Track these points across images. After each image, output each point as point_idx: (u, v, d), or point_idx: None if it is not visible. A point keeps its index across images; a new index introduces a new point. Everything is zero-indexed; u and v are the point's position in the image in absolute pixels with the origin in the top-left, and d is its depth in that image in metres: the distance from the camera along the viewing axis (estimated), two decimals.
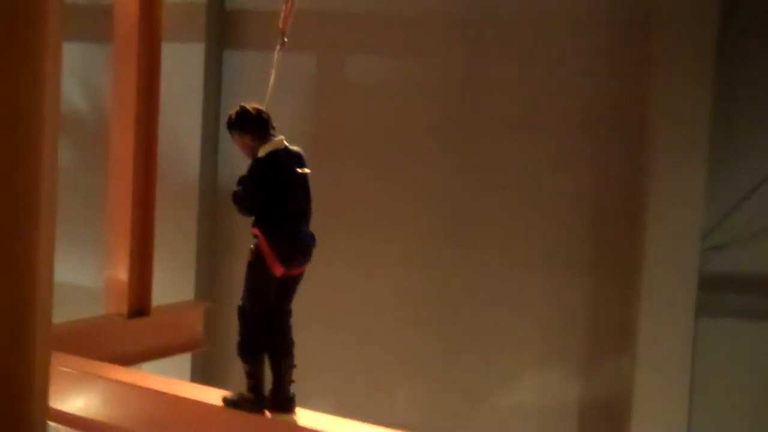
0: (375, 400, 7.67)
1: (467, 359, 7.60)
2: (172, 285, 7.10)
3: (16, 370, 1.59)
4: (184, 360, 7.37)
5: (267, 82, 8.44)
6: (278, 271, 4.10)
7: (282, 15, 4.49)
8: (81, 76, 8.40)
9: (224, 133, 8.16)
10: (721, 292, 7.02)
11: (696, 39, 6.75)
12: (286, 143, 4.21)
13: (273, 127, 4.24)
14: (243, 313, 4.20)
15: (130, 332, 5.47)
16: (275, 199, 4.08)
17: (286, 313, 4.28)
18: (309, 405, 4.48)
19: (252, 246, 4.13)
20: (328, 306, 7.89)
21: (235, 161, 8.12)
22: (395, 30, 7.82)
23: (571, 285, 7.41)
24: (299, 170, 4.17)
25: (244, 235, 8.05)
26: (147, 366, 5.52)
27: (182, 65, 7.80)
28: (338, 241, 7.82)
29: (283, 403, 4.19)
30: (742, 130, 7.00)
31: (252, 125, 4.18)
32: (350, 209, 7.91)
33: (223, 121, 8.20)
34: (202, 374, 7.61)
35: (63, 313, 5.40)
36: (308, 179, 4.23)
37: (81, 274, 7.76)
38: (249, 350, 4.18)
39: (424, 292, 7.69)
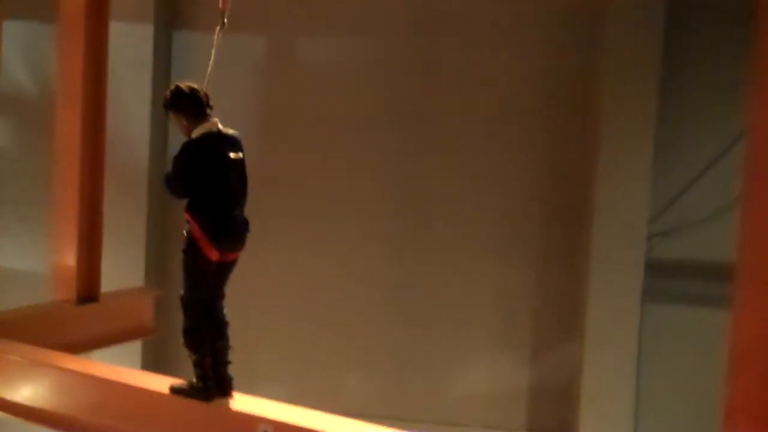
0: (326, 386, 7.66)
1: (417, 346, 7.65)
2: (122, 272, 6.98)
3: None
4: (135, 348, 7.25)
5: (219, 62, 8.33)
6: (213, 255, 4.02)
7: None
8: (25, 55, 8.18)
9: None
10: (667, 278, 7.15)
11: (644, 31, 6.84)
12: (219, 126, 4.10)
13: (210, 107, 4.12)
14: (184, 303, 4.14)
15: (78, 319, 5.36)
16: (206, 183, 3.99)
17: (220, 296, 4.21)
18: (261, 392, 4.46)
19: (185, 232, 4.04)
20: (279, 291, 7.86)
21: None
22: (347, 10, 7.76)
23: (520, 271, 7.49)
24: (232, 154, 4.07)
25: None
26: (96, 354, 5.42)
27: (130, 45, 7.64)
28: (289, 224, 7.79)
29: (224, 387, 4.16)
30: (686, 120, 7.12)
31: (186, 105, 4.08)
32: (302, 192, 7.86)
33: None
34: (153, 362, 7.51)
35: (9, 299, 5.30)
36: (243, 163, 4.15)
37: (27, 260, 7.59)
38: (194, 340, 4.12)
39: (375, 277, 7.70)
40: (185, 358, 7.91)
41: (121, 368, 4.58)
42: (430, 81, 7.65)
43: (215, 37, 4.43)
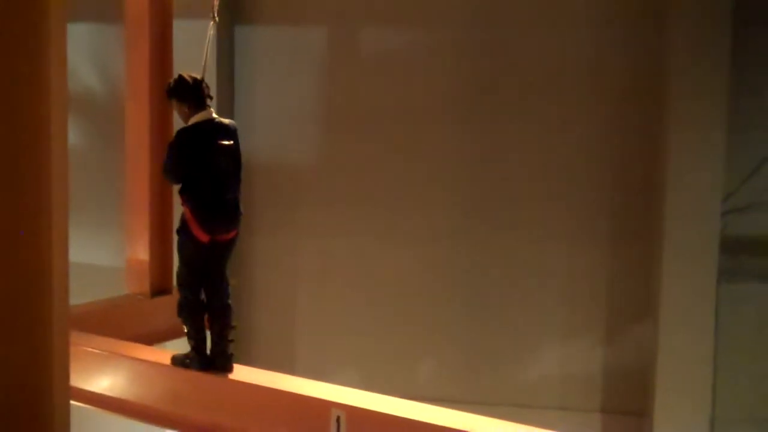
0: (399, 372, 7.69)
1: (490, 331, 7.60)
2: None
3: (36, 350, 1.58)
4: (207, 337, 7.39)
5: (279, 56, 8.41)
6: (202, 237, 4.24)
7: None
8: (93, 57, 8.38)
9: (238, 110, 8.19)
10: (743, 256, 6.96)
11: (714, 4, 6.66)
12: (214, 115, 4.34)
13: (210, 98, 4.37)
14: (178, 279, 4.40)
15: (152, 311, 5.48)
16: (197, 168, 4.22)
17: (221, 278, 4.42)
18: (333, 378, 4.51)
19: (182, 214, 4.29)
20: (352, 280, 7.91)
21: (249, 139, 8.13)
22: (412, 4, 7.75)
23: (592, 253, 7.39)
24: (223, 141, 4.28)
25: (264, 213, 8.12)
26: (170, 344, 5.53)
27: (194, 42, 7.75)
28: (358, 214, 7.82)
29: (224, 362, 4.36)
30: (761, 95, 6.92)
31: (187, 94, 4.31)
32: (369, 183, 7.88)
33: (238, 97, 8.22)
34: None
35: (86, 293, 5.44)
36: (235, 150, 4.36)
37: (103, 254, 7.79)
38: (187, 313, 4.37)
39: (447, 265, 7.68)
40: (255, 348, 8.04)
41: None
42: (492, 70, 7.58)
43: (208, 31, 4.67)
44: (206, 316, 4.42)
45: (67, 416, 1.60)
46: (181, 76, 4.38)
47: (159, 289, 5.53)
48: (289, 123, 8.09)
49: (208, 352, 4.40)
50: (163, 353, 4.67)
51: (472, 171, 7.65)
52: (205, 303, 4.40)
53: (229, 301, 4.45)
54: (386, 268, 7.83)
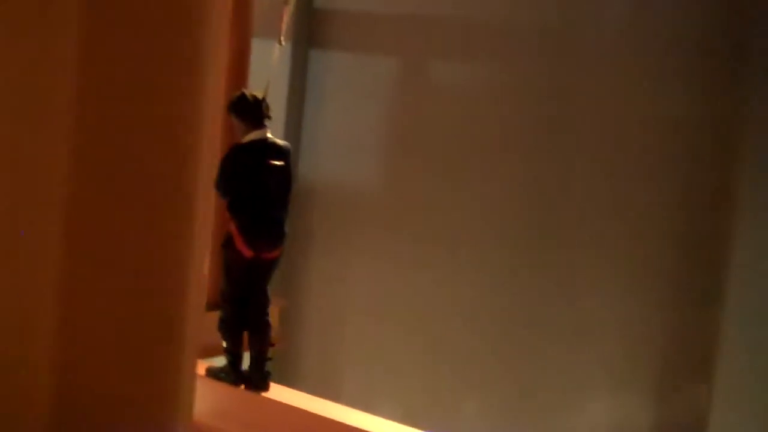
0: (443, 408, 7.61)
1: (538, 375, 7.48)
2: None
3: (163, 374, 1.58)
4: None
5: (350, 82, 8.47)
6: (246, 253, 4.34)
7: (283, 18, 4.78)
8: None
9: (306, 132, 8.26)
10: None
11: None
12: (269, 135, 4.45)
13: (268, 118, 4.51)
14: (221, 294, 4.51)
15: (208, 325, 5.51)
16: (245, 185, 4.34)
17: (262, 296, 4.51)
18: (377, 411, 4.49)
19: (228, 230, 4.42)
20: (403, 311, 7.87)
21: (313, 161, 8.19)
22: (479, 36, 7.75)
23: (647, 306, 7.22)
24: (273, 161, 4.37)
25: (321, 236, 8.14)
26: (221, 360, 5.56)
27: (269, 62, 7.87)
28: (418, 246, 7.80)
29: (258, 380, 4.47)
30: None
31: (246, 112, 4.44)
32: (431, 216, 7.86)
33: (306, 119, 8.29)
34: (276, 372, 7.65)
35: None
36: (285, 170, 4.44)
37: None
38: (227, 328, 4.49)
39: (501, 303, 7.60)
40: (308, 368, 8.04)
41: None
42: (560, 109, 7.52)
43: (274, 53, 4.88)
44: (248, 334, 4.46)
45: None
46: (243, 93, 4.52)
47: (215, 304, 5.55)
48: (354, 149, 8.13)
49: (245, 368, 4.45)
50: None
51: (532, 208, 7.58)
52: (246, 320, 4.46)
53: (269, 319, 4.50)
54: (438, 300, 7.78)
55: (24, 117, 1.46)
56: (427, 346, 7.79)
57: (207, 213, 1.56)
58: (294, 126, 8.13)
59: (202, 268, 1.62)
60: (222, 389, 4.45)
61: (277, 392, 4.53)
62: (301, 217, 8.17)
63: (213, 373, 4.55)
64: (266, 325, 4.51)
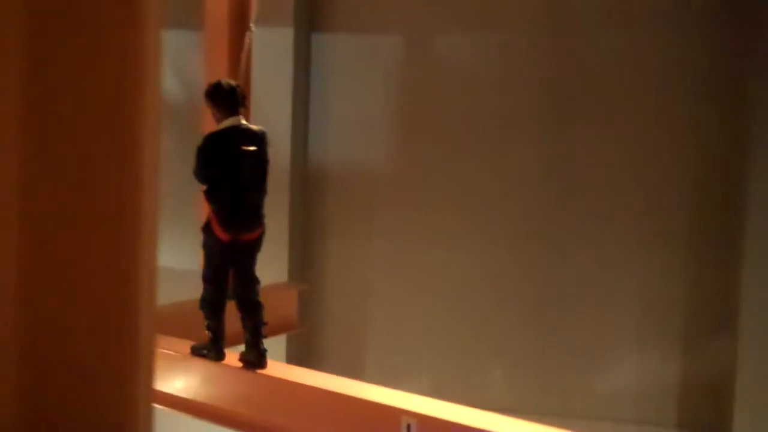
0: (470, 380, 7.64)
1: (564, 340, 7.50)
2: (266, 267, 7.19)
3: (122, 353, 1.62)
4: (280, 341, 7.48)
5: (354, 63, 8.44)
6: (223, 236, 4.43)
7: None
8: (173, 63, 8.56)
9: (314, 115, 8.26)
10: None
11: None
12: (242, 121, 4.52)
13: (244, 106, 4.57)
14: (203, 275, 4.61)
15: (227, 314, 5.55)
16: (221, 172, 4.41)
17: (249, 277, 4.60)
18: (403, 386, 4.51)
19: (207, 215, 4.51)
20: (423, 286, 7.89)
21: (322, 144, 8.20)
22: (487, 11, 7.71)
23: (670, 263, 7.23)
24: (246, 147, 4.44)
25: (336, 219, 8.17)
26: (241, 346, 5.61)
27: (271, 49, 7.86)
28: (434, 222, 7.80)
29: (255, 358, 4.54)
30: None
31: (220, 99, 4.49)
32: (446, 191, 7.86)
33: (313, 103, 8.29)
34: (297, 355, 7.71)
35: (163, 296, 5.55)
36: (259, 155, 4.52)
37: (180, 258, 7.94)
38: (207, 307, 4.58)
39: (520, 272, 7.61)
40: (328, 351, 8.08)
41: (269, 361, 4.72)
42: (567, 76, 7.48)
43: (245, 41, 5.02)
44: (240, 315, 4.55)
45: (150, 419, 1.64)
46: (218, 82, 4.60)
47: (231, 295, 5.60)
48: (363, 129, 8.12)
49: (244, 348, 4.59)
50: (233, 355, 4.74)
51: (546, 177, 7.57)
52: (236, 300, 4.59)
53: (260, 299, 4.59)
54: (458, 274, 7.79)
55: None
56: (449, 320, 7.82)
57: (152, 196, 1.58)
58: (301, 111, 8.13)
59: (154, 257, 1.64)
60: (254, 378, 4.50)
61: (308, 376, 4.58)
62: (316, 201, 8.20)
63: (197, 351, 4.69)
64: (256, 304, 4.61)
